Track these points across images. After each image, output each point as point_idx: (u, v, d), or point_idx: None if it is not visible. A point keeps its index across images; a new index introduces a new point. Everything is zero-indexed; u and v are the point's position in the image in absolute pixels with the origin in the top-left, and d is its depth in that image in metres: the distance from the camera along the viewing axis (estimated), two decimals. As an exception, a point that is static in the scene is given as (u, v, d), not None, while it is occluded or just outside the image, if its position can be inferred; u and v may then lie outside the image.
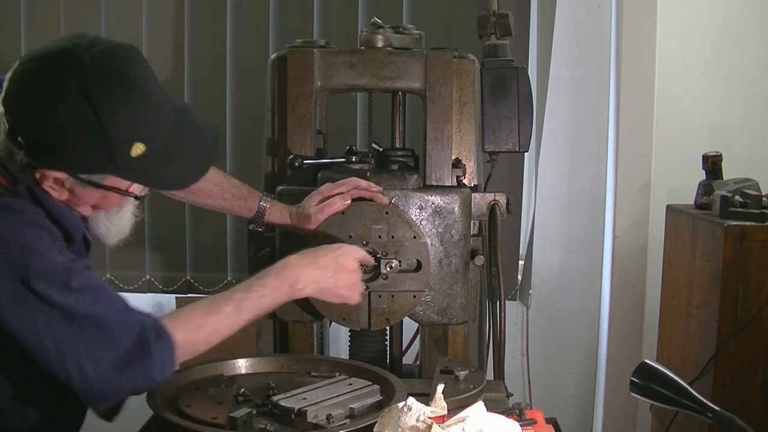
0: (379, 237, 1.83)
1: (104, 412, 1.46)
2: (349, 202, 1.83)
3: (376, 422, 1.41)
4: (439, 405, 1.46)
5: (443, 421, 1.41)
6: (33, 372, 1.42)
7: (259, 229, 1.94)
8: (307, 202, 1.86)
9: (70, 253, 1.49)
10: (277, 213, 1.90)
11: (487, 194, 1.99)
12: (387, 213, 1.84)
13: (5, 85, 1.43)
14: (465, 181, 1.98)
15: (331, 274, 1.62)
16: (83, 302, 1.40)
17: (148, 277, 3.33)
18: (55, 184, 1.46)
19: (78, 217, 1.55)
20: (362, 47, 2.03)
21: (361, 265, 1.72)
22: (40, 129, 1.38)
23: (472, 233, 1.96)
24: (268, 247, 1.96)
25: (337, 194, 1.84)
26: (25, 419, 1.52)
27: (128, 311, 1.46)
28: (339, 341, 2.68)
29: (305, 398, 1.54)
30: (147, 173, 1.48)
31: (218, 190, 1.92)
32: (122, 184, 1.49)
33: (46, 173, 1.44)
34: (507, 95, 2.10)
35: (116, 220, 1.59)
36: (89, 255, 1.67)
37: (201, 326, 1.50)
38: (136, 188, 1.53)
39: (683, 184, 3.07)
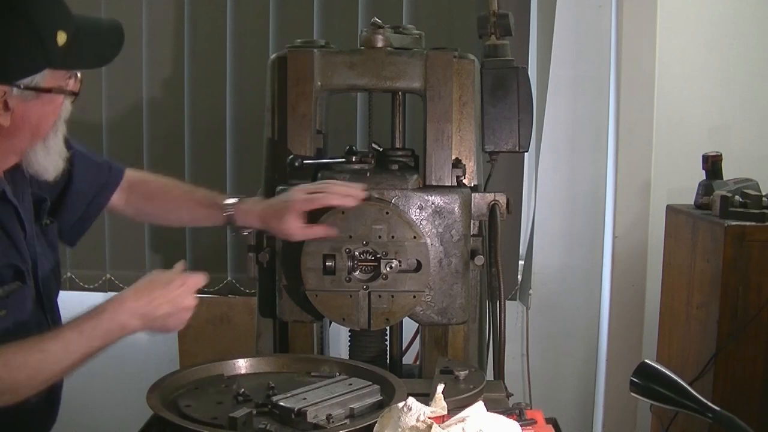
0: (379, 237, 1.83)
1: None
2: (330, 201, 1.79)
3: (376, 422, 1.41)
4: (439, 405, 1.46)
5: (443, 421, 1.41)
6: None
7: (246, 232, 1.92)
8: (290, 201, 1.80)
9: None
10: (248, 217, 1.86)
11: (487, 194, 1.99)
12: (387, 213, 1.84)
13: None
14: (465, 181, 1.98)
15: (163, 315, 1.55)
16: None
17: (148, 276, 3.33)
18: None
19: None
20: (362, 47, 2.03)
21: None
22: None
23: (472, 233, 1.96)
24: (268, 247, 1.96)
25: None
26: None
27: None
28: (339, 341, 2.68)
29: (305, 398, 1.53)
30: (75, 59, 1.53)
31: (185, 200, 1.93)
32: (61, 80, 1.53)
33: None
34: (507, 95, 2.10)
35: (52, 147, 1.59)
36: (43, 236, 1.67)
37: (23, 364, 1.44)
38: (72, 84, 1.56)
39: (683, 184, 3.07)
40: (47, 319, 1.68)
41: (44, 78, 1.50)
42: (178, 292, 1.57)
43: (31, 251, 1.64)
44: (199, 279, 1.61)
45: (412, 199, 1.89)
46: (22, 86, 1.47)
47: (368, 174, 1.93)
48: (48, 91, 1.51)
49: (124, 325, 1.51)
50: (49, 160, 1.60)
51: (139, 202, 1.94)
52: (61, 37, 1.48)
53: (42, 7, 1.47)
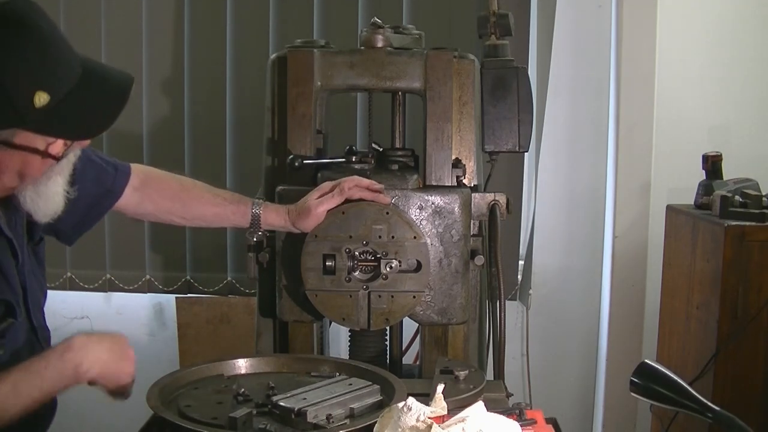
0: (379, 237, 1.83)
1: None
2: (346, 193, 1.82)
3: (376, 422, 1.42)
4: (439, 405, 1.46)
5: (443, 421, 1.41)
6: None
7: (258, 233, 1.91)
8: (307, 197, 1.85)
9: None
10: (273, 215, 1.88)
11: (487, 194, 1.99)
12: (387, 213, 1.84)
13: None
14: (465, 181, 1.98)
15: (116, 359, 1.54)
16: None
17: (148, 277, 3.33)
18: None
19: None
20: (362, 47, 2.03)
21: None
22: None
23: (472, 233, 1.96)
24: (268, 248, 1.96)
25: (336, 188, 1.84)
26: None
27: None
28: (339, 341, 2.68)
29: (305, 398, 1.53)
30: (56, 124, 1.42)
31: (210, 195, 1.90)
32: (38, 142, 1.43)
33: None
34: (507, 95, 2.10)
35: (44, 193, 1.51)
36: (33, 256, 1.63)
37: None
38: (56, 149, 1.47)
39: (683, 184, 3.07)
40: (38, 337, 1.67)
41: (15, 134, 1.40)
42: (120, 339, 1.57)
43: (22, 278, 1.61)
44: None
45: (412, 199, 1.89)
46: None
47: (368, 174, 1.93)
48: (20, 148, 1.42)
49: (78, 364, 1.48)
50: (40, 204, 1.52)
51: (155, 201, 1.89)
52: (41, 98, 1.37)
53: (20, 63, 1.35)
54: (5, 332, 1.55)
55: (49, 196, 1.52)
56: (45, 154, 1.45)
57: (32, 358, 1.48)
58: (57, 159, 1.48)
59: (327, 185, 1.86)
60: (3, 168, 1.46)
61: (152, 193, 1.88)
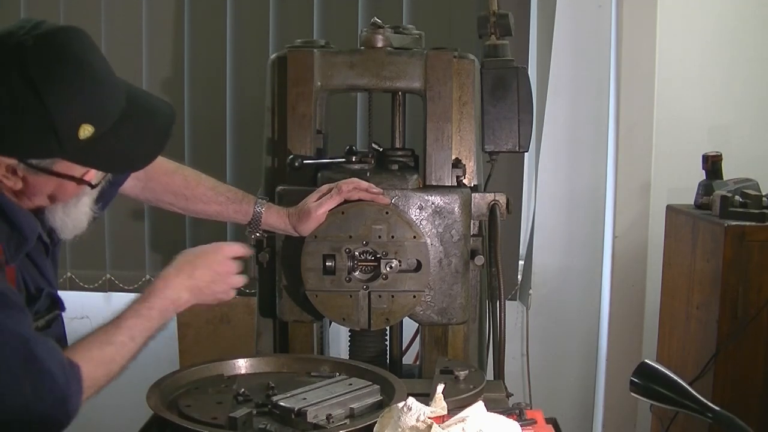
0: (379, 237, 1.83)
1: None
2: (344, 193, 1.83)
3: (376, 422, 1.42)
4: (439, 405, 1.46)
5: (443, 421, 1.41)
6: None
7: (257, 234, 1.92)
8: (306, 200, 1.86)
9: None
10: (274, 216, 1.89)
11: (487, 194, 1.99)
12: (387, 213, 1.84)
13: None
14: (465, 181, 1.98)
15: (207, 283, 1.64)
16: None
17: (147, 277, 3.33)
18: (8, 172, 1.43)
19: (33, 218, 1.52)
20: (362, 47, 2.03)
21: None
22: None
23: (472, 233, 1.96)
24: (268, 248, 1.96)
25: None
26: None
27: (53, 348, 1.43)
28: (339, 341, 2.68)
29: (305, 398, 1.53)
30: (98, 156, 1.44)
31: (213, 194, 1.91)
32: (76, 170, 1.45)
33: None
34: (507, 95, 2.10)
35: (73, 213, 1.54)
36: (50, 257, 1.64)
37: (100, 360, 1.48)
38: (92, 176, 1.48)
39: (683, 184, 3.07)
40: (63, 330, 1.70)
41: (54, 163, 1.42)
42: (214, 258, 1.64)
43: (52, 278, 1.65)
44: (235, 247, 1.68)
45: (412, 199, 1.89)
46: (30, 163, 1.42)
47: (368, 174, 1.93)
48: (58, 175, 1.44)
49: (175, 299, 1.60)
50: (68, 223, 1.55)
51: (157, 194, 1.90)
52: (85, 131, 1.39)
53: (68, 97, 1.37)
54: (51, 323, 1.60)
55: (77, 216, 1.55)
56: (81, 181, 1.48)
57: (135, 303, 1.57)
58: (93, 186, 1.51)
59: (325, 188, 1.87)
60: (36, 191, 1.47)
61: (155, 187, 1.89)
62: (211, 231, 3.27)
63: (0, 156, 1.40)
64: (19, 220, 1.48)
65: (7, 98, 1.35)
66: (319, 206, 1.83)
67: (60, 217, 1.54)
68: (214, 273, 1.64)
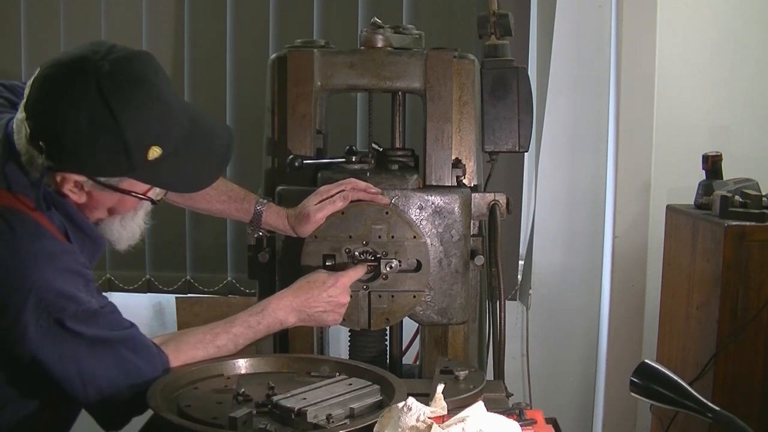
0: (379, 237, 1.83)
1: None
2: (349, 201, 1.83)
3: (376, 422, 1.41)
4: (439, 405, 1.46)
5: (443, 421, 1.41)
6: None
7: (259, 233, 1.94)
8: (306, 202, 1.86)
9: (101, 297, 1.57)
10: (274, 216, 1.90)
11: (487, 194, 1.99)
12: (387, 213, 1.84)
13: (27, 91, 1.48)
14: (465, 181, 1.98)
15: (319, 312, 1.76)
16: (110, 338, 1.53)
17: (148, 277, 3.33)
18: (75, 187, 1.51)
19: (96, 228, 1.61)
20: (362, 47, 2.03)
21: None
22: (60, 133, 1.43)
23: (472, 233, 1.96)
24: (268, 247, 1.96)
25: (337, 193, 1.84)
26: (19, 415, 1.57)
27: (148, 346, 1.59)
28: (339, 341, 2.68)
29: (305, 398, 1.53)
30: (163, 176, 1.54)
31: (215, 193, 1.92)
32: (139, 187, 1.55)
33: (66, 176, 1.49)
34: (507, 95, 2.10)
35: (129, 225, 1.63)
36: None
37: (203, 358, 1.66)
38: (153, 192, 1.58)
39: (683, 184, 3.08)
40: None
41: (122, 181, 1.52)
42: (333, 291, 1.75)
43: None
44: (354, 273, 1.79)
45: (412, 199, 1.89)
46: (99, 180, 1.51)
47: (368, 174, 1.93)
48: (124, 192, 1.53)
49: (283, 320, 1.74)
50: (123, 234, 1.63)
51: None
52: (154, 153, 1.48)
53: (140, 120, 1.46)
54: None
55: (132, 228, 1.64)
56: (143, 197, 1.57)
57: (247, 314, 1.73)
58: (155, 203, 1.62)
59: (326, 188, 1.86)
60: (99, 205, 1.57)
61: None
62: (212, 230, 3.28)
63: (69, 172, 1.49)
64: (91, 230, 1.59)
65: (85, 120, 1.43)
66: (319, 210, 1.83)
67: (117, 229, 1.63)
68: (328, 305, 1.75)
